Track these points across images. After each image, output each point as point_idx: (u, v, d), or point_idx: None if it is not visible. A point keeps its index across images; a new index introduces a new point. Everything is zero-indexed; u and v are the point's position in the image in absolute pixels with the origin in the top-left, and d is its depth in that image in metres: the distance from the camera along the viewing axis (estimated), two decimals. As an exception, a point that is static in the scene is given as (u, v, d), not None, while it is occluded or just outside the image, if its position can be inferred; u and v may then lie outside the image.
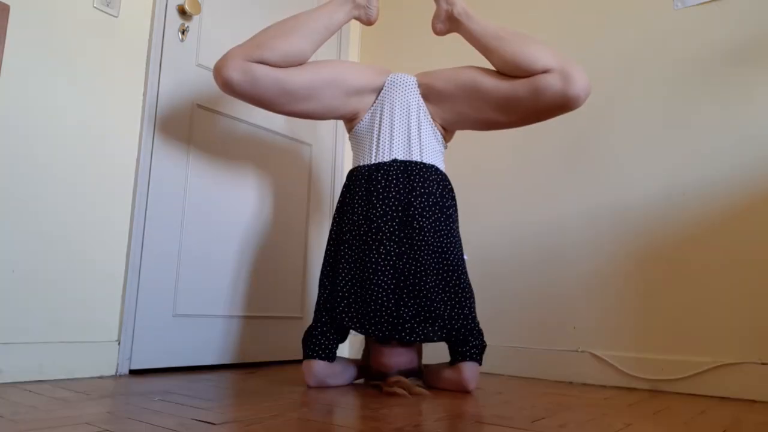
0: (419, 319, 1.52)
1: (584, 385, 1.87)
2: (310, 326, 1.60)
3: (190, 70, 1.97)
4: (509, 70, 1.57)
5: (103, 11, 1.73)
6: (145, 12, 1.85)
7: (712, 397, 1.66)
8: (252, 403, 1.26)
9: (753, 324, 1.66)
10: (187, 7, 1.90)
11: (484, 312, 2.19)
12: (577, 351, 1.95)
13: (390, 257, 1.55)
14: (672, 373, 1.75)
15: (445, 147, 1.79)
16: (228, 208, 2.08)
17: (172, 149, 1.90)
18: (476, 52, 2.35)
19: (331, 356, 1.57)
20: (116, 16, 1.77)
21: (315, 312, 1.61)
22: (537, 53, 1.52)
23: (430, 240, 1.57)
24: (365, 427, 1.03)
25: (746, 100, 1.76)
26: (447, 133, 1.77)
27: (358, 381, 1.73)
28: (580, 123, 2.07)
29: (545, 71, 1.51)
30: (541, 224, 2.11)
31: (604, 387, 1.83)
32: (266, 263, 2.20)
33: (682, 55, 1.89)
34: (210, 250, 2.00)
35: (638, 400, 1.55)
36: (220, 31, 2.09)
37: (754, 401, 1.60)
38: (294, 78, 1.58)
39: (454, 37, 2.50)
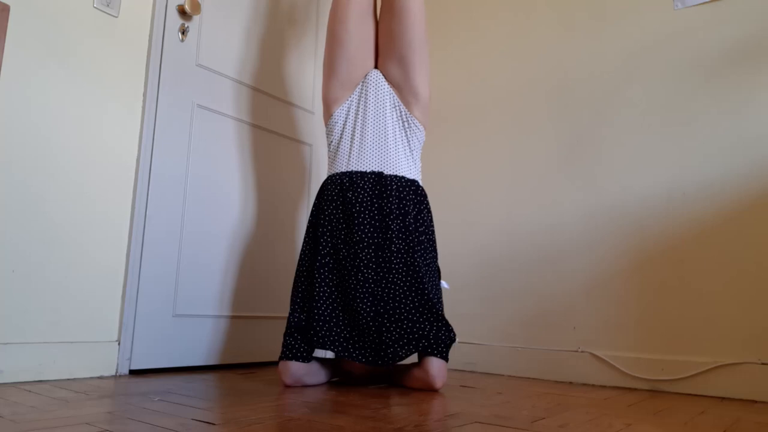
0: (402, 343, 1.53)
1: (584, 385, 1.87)
2: (285, 331, 1.60)
3: (190, 70, 1.97)
4: None
5: (103, 11, 1.73)
6: (145, 12, 1.85)
7: (712, 397, 1.66)
8: (252, 403, 1.26)
9: (753, 324, 1.66)
10: (187, 7, 1.90)
11: (484, 312, 2.19)
12: (577, 351, 1.95)
13: (368, 284, 1.57)
14: (672, 373, 1.75)
15: (424, 129, 1.79)
16: (229, 209, 2.08)
17: (172, 149, 1.90)
18: (481, 51, 2.36)
19: (306, 357, 1.56)
20: (116, 16, 1.77)
21: (288, 320, 1.61)
22: None
23: (408, 261, 1.60)
24: (365, 427, 1.03)
25: (746, 100, 1.76)
26: (422, 112, 1.77)
27: (335, 379, 1.73)
28: (581, 122, 2.07)
29: None
30: (542, 224, 2.11)
31: (604, 387, 1.83)
32: (268, 263, 2.20)
33: (682, 55, 1.89)
34: (210, 250, 2.00)
35: (638, 400, 1.55)
36: (220, 31, 2.09)
37: (754, 401, 1.60)
38: None
39: (454, 36, 2.50)
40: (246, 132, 2.17)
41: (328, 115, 1.79)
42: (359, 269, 1.57)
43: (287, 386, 1.55)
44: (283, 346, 1.58)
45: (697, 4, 1.88)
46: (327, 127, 1.80)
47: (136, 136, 1.80)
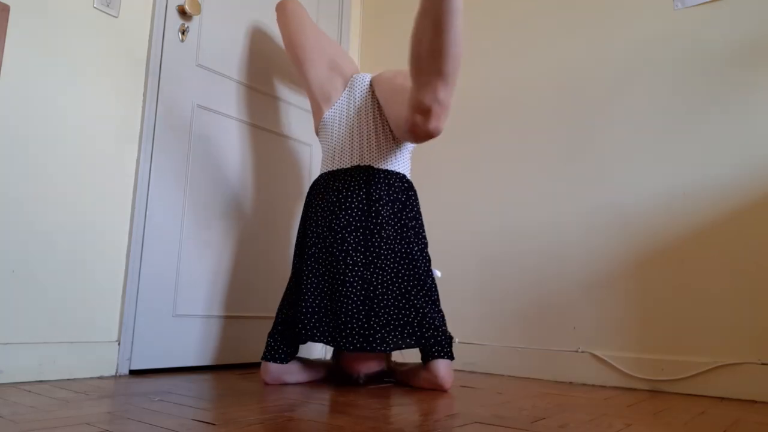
0: (389, 328, 1.54)
1: (584, 385, 1.87)
2: (270, 331, 1.64)
3: (190, 70, 1.97)
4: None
5: (103, 11, 1.73)
6: (145, 12, 1.85)
7: (712, 397, 1.66)
8: (252, 403, 1.26)
9: (753, 324, 1.66)
10: (187, 8, 1.90)
11: (484, 312, 2.19)
12: (577, 351, 1.95)
13: (357, 268, 1.57)
14: (672, 374, 1.75)
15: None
16: (229, 209, 2.08)
17: (172, 149, 1.90)
18: (478, 49, 2.36)
19: (284, 359, 1.60)
20: (116, 16, 1.77)
21: (275, 318, 1.65)
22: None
23: (396, 247, 1.60)
24: (365, 427, 1.03)
25: (746, 100, 1.76)
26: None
27: (319, 377, 1.74)
28: (581, 122, 2.07)
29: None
30: (542, 224, 2.11)
31: (604, 387, 1.83)
32: (268, 263, 2.20)
33: (682, 55, 1.89)
34: (210, 250, 2.00)
35: (638, 400, 1.55)
36: (220, 31, 2.10)
37: (754, 401, 1.60)
38: None
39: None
40: (246, 132, 2.17)
41: (316, 129, 1.87)
42: (348, 253, 1.58)
43: (267, 384, 1.59)
44: (265, 346, 1.63)
45: (697, 4, 1.88)
46: (319, 137, 1.85)
47: (136, 135, 1.80)
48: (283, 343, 1.60)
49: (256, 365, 2.11)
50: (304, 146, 2.42)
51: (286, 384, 1.61)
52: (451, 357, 1.59)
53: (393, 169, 1.70)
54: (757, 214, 1.69)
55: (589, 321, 1.95)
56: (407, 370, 1.69)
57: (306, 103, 2.44)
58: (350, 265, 1.57)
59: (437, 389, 1.59)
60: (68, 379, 1.56)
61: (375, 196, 1.62)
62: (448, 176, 2.39)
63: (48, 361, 1.53)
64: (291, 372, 1.63)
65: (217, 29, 2.08)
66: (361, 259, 1.58)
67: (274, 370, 1.59)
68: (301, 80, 1.93)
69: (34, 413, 1.06)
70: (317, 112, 1.85)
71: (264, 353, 1.61)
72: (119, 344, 1.70)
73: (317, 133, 1.87)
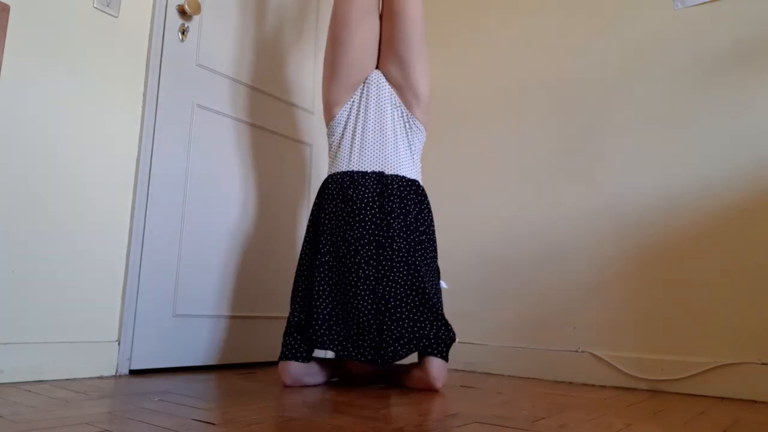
0: (403, 341, 1.53)
1: (584, 385, 1.87)
2: (285, 331, 1.60)
3: (190, 70, 1.97)
4: None
5: (103, 11, 1.73)
6: (145, 12, 1.85)
7: (712, 397, 1.66)
8: (252, 403, 1.26)
9: (753, 324, 1.66)
10: (187, 8, 1.90)
11: (484, 312, 2.19)
12: (577, 351, 1.95)
13: (369, 281, 1.56)
14: (672, 374, 1.75)
15: (425, 129, 1.79)
16: (229, 209, 2.08)
17: (172, 149, 1.90)
18: (477, 51, 2.36)
19: (305, 357, 1.57)
20: (116, 16, 1.77)
21: (288, 320, 1.61)
22: None
23: (408, 260, 1.59)
24: (365, 427, 1.03)
25: (746, 100, 1.76)
26: (423, 112, 1.77)
27: (334, 379, 1.73)
28: (582, 122, 2.07)
29: None
30: (542, 224, 2.11)
31: (604, 387, 1.83)
32: (268, 263, 2.20)
33: (682, 55, 1.89)
34: (210, 250, 2.00)
35: (638, 400, 1.55)
36: (220, 31, 2.10)
37: (754, 401, 1.60)
38: None
39: (454, 35, 2.50)
40: (246, 132, 2.17)
41: (329, 117, 1.78)
42: (360, 266, 1.57)
43: (287, 386, 1.56)
44: (283, 345, 1.58)
45: (697, 4, 1.88)
46: (328, 129, 1.79)
47: (136, 136, 1.80)
48: (302, 341, 1.57)
49: (256, 365, 2.11)
50: (304, 146, 2.42)
51: (305, 386, 1.58)
52: (445, 358, 1.58)
53: (406, 175, 1.69)
54: (757, 214, 1.70)
55: (589, 321, 1.95)
56: (402, 369, 1.69)
57: (306, 103, 2.44)
58: (362, 279, 1.56)
59: (428, 389, 1.57)
60: (68, 379, 1.56)
61: (387, 209, 1.61)
62: (448, 177, 2.39)
63: (48, 361, 1.53)
64: (311, 373, 1.59)
65: (217, 29, 2.08)
66: (373, 273, 1.57)
67: (295, 371, 1.55)
68: (327, 62, 1.78)
69: (34, 413, 1.06)
70: (332, 105, 1.76)
71: (282, 353, 1.57)
72: (119, 344, 1.70)
73: (327, 123, 1.79)
